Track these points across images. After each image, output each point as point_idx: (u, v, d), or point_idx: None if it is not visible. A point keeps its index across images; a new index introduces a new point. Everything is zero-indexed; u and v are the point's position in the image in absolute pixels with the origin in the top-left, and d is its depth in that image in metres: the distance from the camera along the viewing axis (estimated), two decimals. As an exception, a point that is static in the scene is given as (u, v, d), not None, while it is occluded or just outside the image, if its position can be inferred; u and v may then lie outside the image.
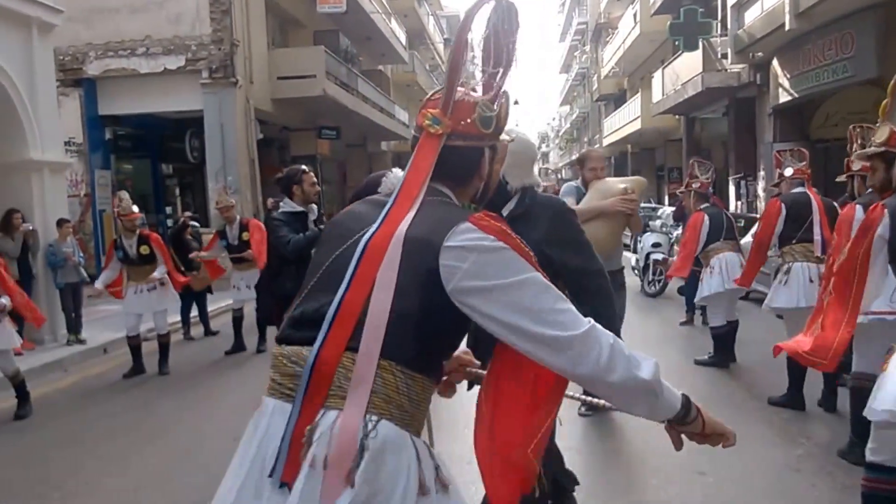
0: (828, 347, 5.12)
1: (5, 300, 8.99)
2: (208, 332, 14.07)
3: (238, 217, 12.39)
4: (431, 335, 2.33)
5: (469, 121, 2.50)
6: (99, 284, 11.06)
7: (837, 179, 8.15)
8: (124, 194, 11.37)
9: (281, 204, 8.27)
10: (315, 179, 8.32)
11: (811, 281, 8.23)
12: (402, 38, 41.10)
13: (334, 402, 2.24)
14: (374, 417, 2.21)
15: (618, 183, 7.53)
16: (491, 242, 2.25)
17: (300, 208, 8.09)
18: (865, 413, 4.65)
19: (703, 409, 2.45)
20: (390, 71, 44.63)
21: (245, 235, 11.92)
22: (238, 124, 21.54)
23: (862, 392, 7.49)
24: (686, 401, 2.39)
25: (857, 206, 6.21)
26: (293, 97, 24.70)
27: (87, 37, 20.96)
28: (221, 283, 13.71)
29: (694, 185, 10.69)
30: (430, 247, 2.26)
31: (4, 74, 12.31)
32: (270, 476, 2.22)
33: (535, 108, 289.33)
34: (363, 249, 2.34)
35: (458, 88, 2.54)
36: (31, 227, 12.49)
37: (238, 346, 12.25)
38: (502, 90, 2.60)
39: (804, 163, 8.78)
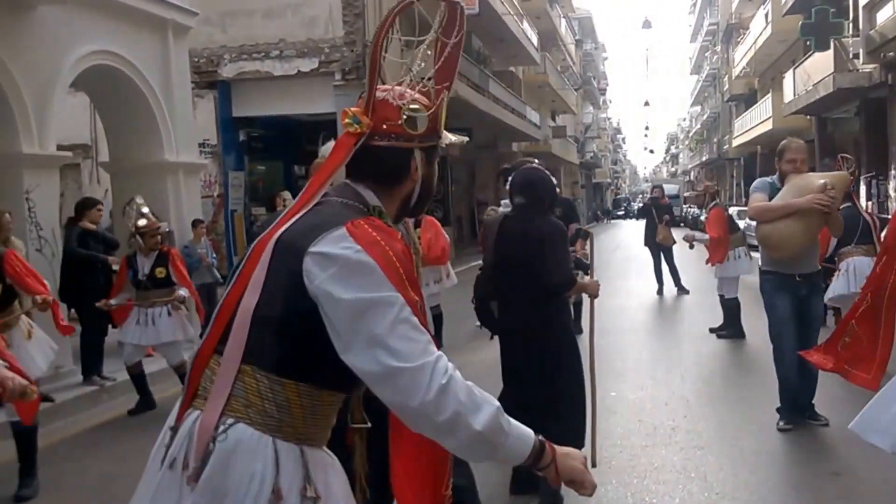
0: (869, 361, 4.75)
1: (184, 291, 9.13)
2: None
3: None
4: (301, 342, 2.20)
5: (395, 121, 2.38)
6: None
7: None
8: (286, 194, 11.48)
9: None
10: None
11: None
12: (534, 39, 40.76)
13: (199, 404, 2.24)
14: (230, 420, 2.17)
15: (817, 178, 7.05)
16: (354, 254, 2.14)
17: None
18: (853, 426, 4.33)
19: (562, 456, 2.29)
20: (521, 72, 44.26)
21: (418, 231, 12.01)
22: (370, 127, 21.39)
23: None
24: (538, 449, 2.24)
25: None
26: (424, 99, 24.57)
27: (222, 39, 21.11)
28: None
29: None
30: (297, 251, 2.17)
31: (141, 77, 12.36)
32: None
33: (665, 109, 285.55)
34: (250, 251, 2.31)
35: (390, 87, 2.43)
36: (167, 229, 12.56)
37: None
38: (442, 91, 2.48)
39: None
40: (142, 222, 9.28)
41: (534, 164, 6.15)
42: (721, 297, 12.58)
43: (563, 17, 55.51)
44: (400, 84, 2.48)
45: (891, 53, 20.05)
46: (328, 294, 2.12)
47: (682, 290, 17.72)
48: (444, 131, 2.56)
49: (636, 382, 9.67)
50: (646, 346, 12.34)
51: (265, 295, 2.19)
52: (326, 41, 21.06)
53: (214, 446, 2.13)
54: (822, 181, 6.83)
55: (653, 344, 12.60)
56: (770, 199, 7.11)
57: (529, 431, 2.24)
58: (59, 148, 11.19)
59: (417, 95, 2.45)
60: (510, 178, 5.91)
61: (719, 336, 12.28)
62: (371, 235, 2.18)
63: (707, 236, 12.41)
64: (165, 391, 9.60)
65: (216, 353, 2.24)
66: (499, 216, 5.78)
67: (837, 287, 9.50)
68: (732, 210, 16.79)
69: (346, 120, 2.36)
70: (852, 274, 9.33)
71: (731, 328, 12.19)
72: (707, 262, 12.41)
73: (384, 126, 2.37)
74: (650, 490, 6.13)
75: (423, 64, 2.54)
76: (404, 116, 2.37)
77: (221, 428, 2.15)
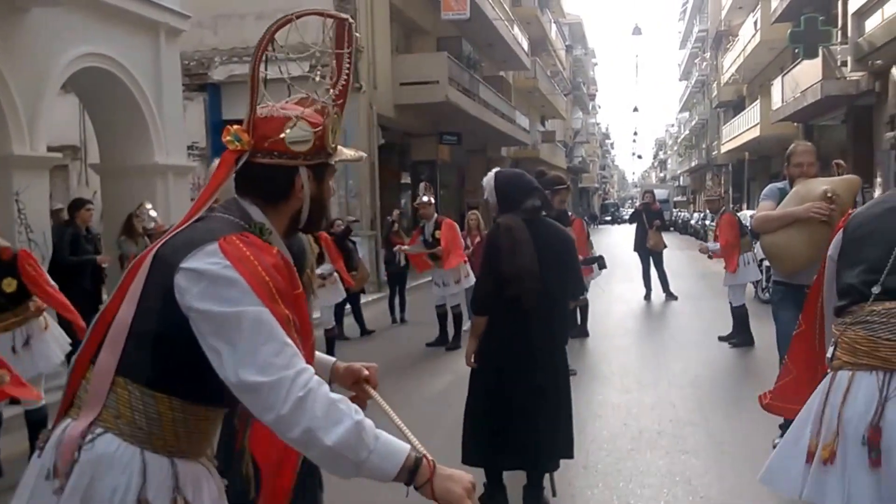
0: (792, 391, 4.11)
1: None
2: (364, 332, 14.15)
3: (435, 215, 12.76)
4: (174, 356, 2.23)
5: (277, 138, 2.39)
6: None
7: None
8: None
9: None
10: None
11: None
12: (525, 44, 40.79)
13: (73, 413, 2.28)
14: (99, 430, 2.20)
15: (821, 185, 6.38)
16: (222, 269, 2.17)
17: None
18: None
19: (442, 477, 2.25)
20: (512, 77, 44.25)
21: (437, 233, 12.14)
22: (360, 129, 21.25)
23: None
24: (411, 466, 2.21)
25: None
26: (416, 103, 24.52)
27: (213, 42, 21.01)
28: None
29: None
30: (170, 266, 2.22)
31: (132, 79, 12.28)
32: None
33: (654, 115, 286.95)
34: (132, 265, 2.34)
35: (274, 104, 2.46)
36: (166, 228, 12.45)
37: (442, 339, 12.58)
38: (329, 107, 2.49)
39: None
40: (150, 224, 9.85)
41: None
42: (730, 303, 12.53)
43: (554, 22, 55.57)
44: (302, 102, 2.52)
45: (879, 61, 20.09)
46: (196, 309, 2.15)
47: (669, 296, 17.72)
48: (341, 148, 2.56)
49: (622, 386, 9.71)
50: (633, 351, 12.36)
51: (140, 309, 2.23)
52: (318, 45, 20.81)
53: (80, 455, 2.17)
54: (824, 188, 6.25)
55: (640, 348, 12.61)
56: (777, 205, 6.64)
57: (404, 447, 2.24)
58: (49, 149, 11.14)
59: (308, 112, 2.46)
60: (496, 179, 5.75)
61: (732, 345, 12.12)
62: (241, 251, 2.21)
63: (718, 245, 12.40)
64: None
65: (91, 363, 2.27)
66: (517, 219, 5.51)
67: None
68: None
69: (228, 137, 2.39)
70: None
71: (740, 336, 12.11)
72: (725, 269, 12.29)
73: (266, 144, 2.39)
74: (635, 493, 6.16)
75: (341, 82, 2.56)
76: (286, 132, 2.38)
77: (89, 437, 2.19)
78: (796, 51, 24.99)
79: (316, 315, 11.55)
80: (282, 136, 2.38)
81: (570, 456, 5.75)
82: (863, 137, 22.98)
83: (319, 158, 2.47)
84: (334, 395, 2.19)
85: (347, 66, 2.55)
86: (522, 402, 5.48)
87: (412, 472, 2.21)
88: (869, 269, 3.23)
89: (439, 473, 2.25)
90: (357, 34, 2.58)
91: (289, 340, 2.19)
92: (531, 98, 49.27)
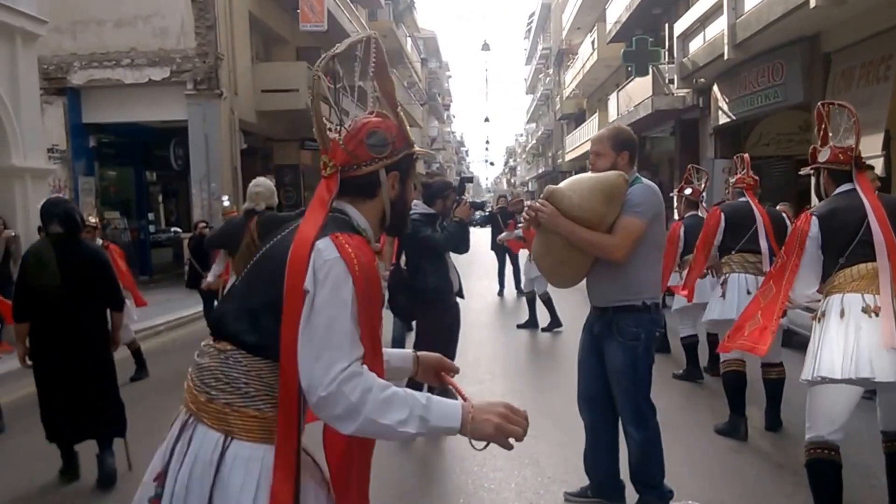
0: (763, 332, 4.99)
1: None
2: None
3: None
4: None
5: None
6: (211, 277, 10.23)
7: (801, 172, 5.43)
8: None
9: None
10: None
11: (749, 293, 7.01)
12: (382, 57, 40.74)
13: None
14: None
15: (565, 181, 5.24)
16: None
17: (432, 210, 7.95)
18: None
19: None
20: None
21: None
22: (222, 134, 20.93)
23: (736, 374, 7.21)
24: None
25: (813, 219, 4.76)
26: (277, 110, 24.15)
27: (72, 47, 20.37)
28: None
29: (686, 192, 9.50)
30: None
31: (-13, 83, 11.80)
32: None
33: (504, 124, 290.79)
34: None
35: None
36: (13, 234, 11.98)
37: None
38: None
39: (745, 170, 7.60)
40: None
41: None
42: (529, 293, 13.67)
43: (409, 36, 55.75)
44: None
45: (702, 79, 20.82)
46: None
47: (521, 293, 17.71)
48: None
49: (475, 377, 9.75)
50: (486, 344, 12.48)
51: None
52: (178, 51, 20.54)
53: None
54: (561, 184, 5.17)
55: (493, 341, 12.77)
56: None
57: None
58: None
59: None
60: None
61: (519, 327, 13.60)
62: None
63: (520, 232, 13.50)
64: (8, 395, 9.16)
65: None
66: (46, 241, 6.35)
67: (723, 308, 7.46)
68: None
69: None
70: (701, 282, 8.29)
71: (553, 321, 13.28)
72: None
73: None
74: (489, 476, 6.26)
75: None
76: None
77: None
78: (629, 69, 25.62)
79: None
80: None
81: (122, 433, 6.43)
82: (689, 148, 23.70)
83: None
84: None
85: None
86: (74, 384, 6.25)
87: None
88: None
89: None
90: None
91: None
92: (389, 107, 49.28)
